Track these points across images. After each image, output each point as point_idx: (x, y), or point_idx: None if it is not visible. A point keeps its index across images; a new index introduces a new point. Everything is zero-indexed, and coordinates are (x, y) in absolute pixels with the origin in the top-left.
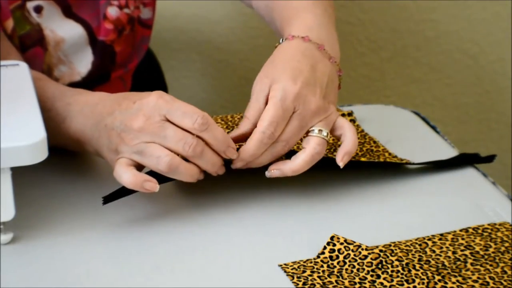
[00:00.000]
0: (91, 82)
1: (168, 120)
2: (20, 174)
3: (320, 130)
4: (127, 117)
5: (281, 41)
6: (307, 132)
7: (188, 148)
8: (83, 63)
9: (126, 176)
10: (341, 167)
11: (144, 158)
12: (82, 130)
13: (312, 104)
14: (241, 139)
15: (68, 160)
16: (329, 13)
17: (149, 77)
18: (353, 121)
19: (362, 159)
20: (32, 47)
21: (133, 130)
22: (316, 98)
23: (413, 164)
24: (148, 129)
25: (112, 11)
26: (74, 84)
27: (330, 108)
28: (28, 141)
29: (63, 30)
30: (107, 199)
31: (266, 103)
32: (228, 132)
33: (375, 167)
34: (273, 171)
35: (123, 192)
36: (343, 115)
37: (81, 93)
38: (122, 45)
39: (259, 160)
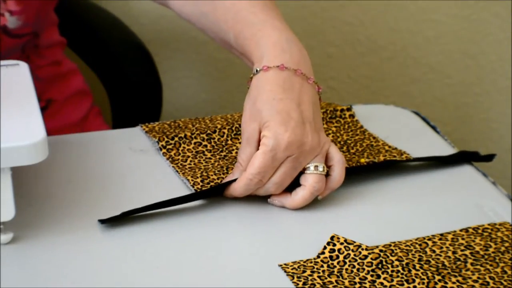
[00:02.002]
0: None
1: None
2: (20, 174)
3: (316, 166)
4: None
5: (255, 71)
6: (304, 169)
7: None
8: None
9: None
10: (319, 199)
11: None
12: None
13: (307, 146)
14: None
15: (68, 160)
16: (280, 17)
17: (143, 75)
18: (352, 116)
19: (362, 160)
20: None
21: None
22: (309, 139)
23: (413, 160)
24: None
25: None
26: None
27: (321, 140)
28: (28, 141)
29: None
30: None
31: (258, 146)
32: (229, 129)
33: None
34: (275, 201)
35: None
36: (342, 110)
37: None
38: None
39: (254, 193)
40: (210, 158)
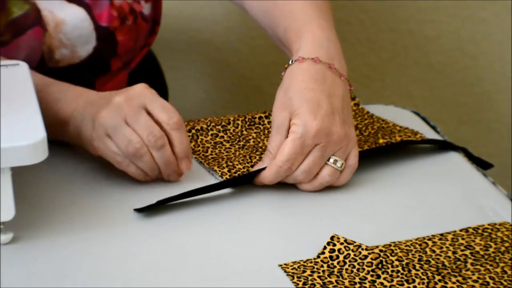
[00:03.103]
0: (90, 69)
1: (146, 111)
2: (20, 174)
3: (335, 161)
4: (111, 95)
5: (290, 62)
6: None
7: (151, 138)
8: (86, 47)
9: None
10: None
11: (116, 136)
12: (71, 112)
13: (335, 135)
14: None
15: (68, 160)
16: (332, 22)
17: (149, 77)
18: (357, 104)
19: (380, 141)
20: (31, 27)
21: (112, 104)
22: (337, 128)
23: (427, 141)
24: (125, 108)
25: None
26: (73, 67)
27: (349, 135)
28: (28, 141)
29: (64, 13)
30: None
31: (287, 134)
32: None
33: (381, 155)
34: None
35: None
36: None
37: (80, 88)
38: (124, 35)
39: (283, 181)
40: (229, 148)
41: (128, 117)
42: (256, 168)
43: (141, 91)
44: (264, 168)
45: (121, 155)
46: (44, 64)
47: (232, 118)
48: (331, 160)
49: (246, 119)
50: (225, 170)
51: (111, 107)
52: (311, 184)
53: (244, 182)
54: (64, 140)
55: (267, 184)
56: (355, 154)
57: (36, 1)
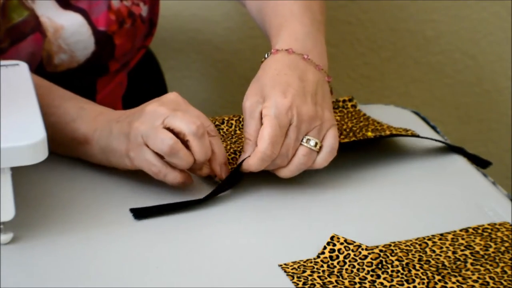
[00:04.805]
0: (89, 72)
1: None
2: (20, 174)
3: (308, 140)
4: (143, 107)
5: (266, 56)
6: None
7: (192, 126)
8: (85, 52)
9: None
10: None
11: (150, 140)
12: (93, 131)
13: (304, 113)
14: None
15: (68, 160)
16: (318, 20)
17: (148, 77)
18: (354, 106)
19: (369, 134)
20: (31, 34)
21: (145, 113)
22: (308, 106)
23: (417, 136)
24: (158, 111)
25: (115, 3)
26: (71, 71)
27: (324, 115)
28: (28, 141)
29: (62, 18)
30: (140, 214)
31: (261, 119)
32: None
33: (379, 155)
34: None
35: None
36: (344, 101)
37: (95, 104)
38: (122, 38)
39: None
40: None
41: (164, 118)
42: (240, 159)
43: (175, 98)
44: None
45: (157, 165)
46: (43, 69)
47: (226, 118)
48: (304, 140)
49: (240, 119)
50: None
51: (145, 115)
52: (287, 169)
53: (234, 181)
54: (80, 157)
55: (253, 171)
56: (333, 135)
57: (33, 7)
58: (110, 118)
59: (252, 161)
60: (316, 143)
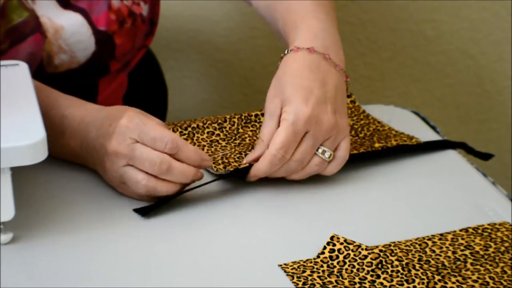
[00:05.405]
0: (90, 72)
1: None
2: (20, 174)
3: (323, 151)
4: (104, 140)
5: (286, 52)
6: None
7: (154, 167)
8: (85, 52)
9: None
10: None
11: (126, 185)
12: (79, 147)
13: (325, 123)
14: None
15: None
16: (332, 16)
17: (149, 77)
18: (353, 102)
19: (376, 145)
20: (31, 34)
21: (109, 155)
22: (328, 116)
23: (424, 144)
24: (121, 152)
25: (116, 2)
26: (72, 71)
27: (340, 124)
28: (28, 141)
29: (62, 19)
30: (143, 211)
31: (279, 121)
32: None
33: (379, 157)
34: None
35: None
36: None
37: (75, 105)
38: (122, 38)
39: (274, 174)
40: (225, 146)
41: (129, 160)
42: (249, 157)
43: (126, 129)
44: (251, 166)
45: (143, 196)
46: (43, 70)
47: (228, 116)
48: (320, 151)
49: (242, 117)
50: (221, 166)
51: (111, 159)
52: (297, 174)
53: (237, 176)
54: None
55: (261, 176)
56: (345, 147)
57: (33, 7)
58: (88, 131)
59: (261, 165)
60: (331, 155)
